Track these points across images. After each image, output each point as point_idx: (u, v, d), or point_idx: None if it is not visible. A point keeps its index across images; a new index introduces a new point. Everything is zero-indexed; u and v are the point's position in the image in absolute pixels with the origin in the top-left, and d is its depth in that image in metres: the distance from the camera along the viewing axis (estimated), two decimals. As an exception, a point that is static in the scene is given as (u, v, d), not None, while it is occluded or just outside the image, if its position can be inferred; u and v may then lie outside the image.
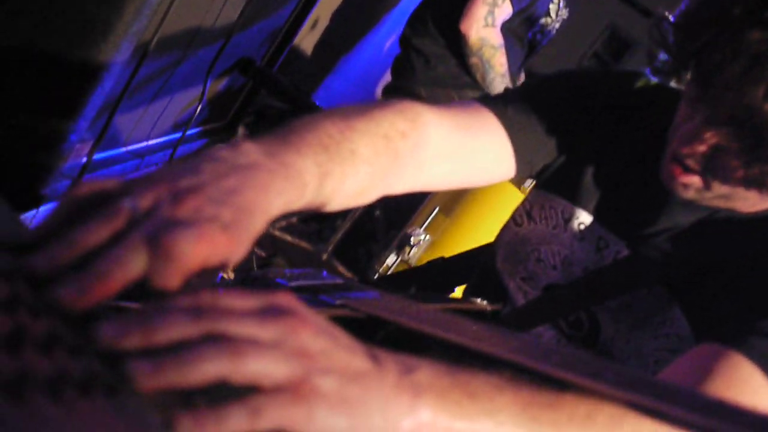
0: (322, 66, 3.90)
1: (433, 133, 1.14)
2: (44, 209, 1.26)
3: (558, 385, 0.73)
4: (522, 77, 3.37)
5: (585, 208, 1.30)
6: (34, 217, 1.29)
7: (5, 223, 0.61)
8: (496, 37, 3.11)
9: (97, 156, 1.33)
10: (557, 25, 3.37)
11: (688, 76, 1.09)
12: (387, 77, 3.50)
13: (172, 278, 0.64)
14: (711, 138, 1.03)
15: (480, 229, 2.84)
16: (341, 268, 3.79)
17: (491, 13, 3.06)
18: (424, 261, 3.07)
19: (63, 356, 0.51)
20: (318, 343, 0.63)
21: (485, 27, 3.07)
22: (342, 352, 0.64)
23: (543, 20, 3.33)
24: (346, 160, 0.94)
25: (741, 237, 1.16)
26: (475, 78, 3.17)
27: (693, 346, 1.12)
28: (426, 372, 0.69)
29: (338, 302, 1.04)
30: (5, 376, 0.43)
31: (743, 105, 0.95)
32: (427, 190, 1.36)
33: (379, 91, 3.67)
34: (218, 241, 0.67)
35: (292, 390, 0.59)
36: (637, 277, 1.21)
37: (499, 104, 1.27)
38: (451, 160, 1.20)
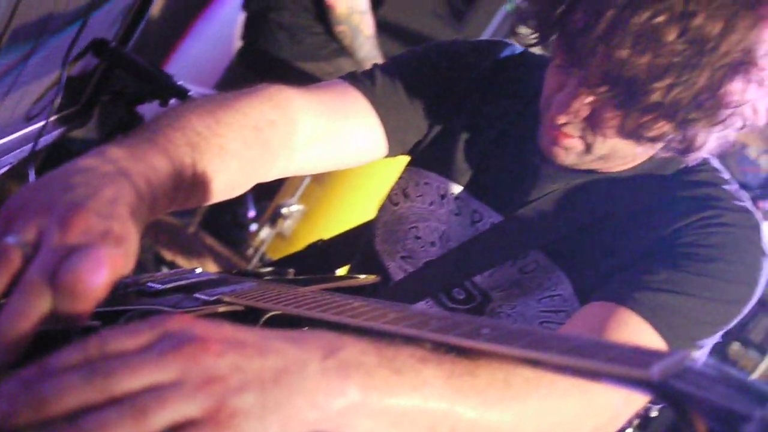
0: (174, 32, 3.77)
1: (303, 119, 1.14)
2: None
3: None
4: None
5: (459, 182, 1.31)
6: None
7: None
8: (362, 2, 3.12)
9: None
10: None
11: (553, 42, 1.09)
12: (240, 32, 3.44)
13: (80, 311, 0.63)
14: (588, 99, 1.05)
15: (355, 196, 2.84)
16: (210, 241, 3.72)
17: None
18: (300, 233, 3.06)
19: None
20: (224, 361, 0.59)
21: None
22: (254, 360, 0.61)
23: None
24: (215, 158, 0.94)
25: (614, 196, 1.20)
26: (342, 44, 3.17)
27: (577, 306, 1.17)
28: (351, 350, 0.67)
29: (213, 298, 1.02)
30: None
31: (613, 61, 0.97)
32: (302, 174, 1.35)
33: (236, 45, 3.59)
34: (117, 260, 0.65)
35: (210, 421, 0.56)
36: (512, 244, 1.23)
37: (367, 83, 1.27)
38: (322, 144, 1.20)
